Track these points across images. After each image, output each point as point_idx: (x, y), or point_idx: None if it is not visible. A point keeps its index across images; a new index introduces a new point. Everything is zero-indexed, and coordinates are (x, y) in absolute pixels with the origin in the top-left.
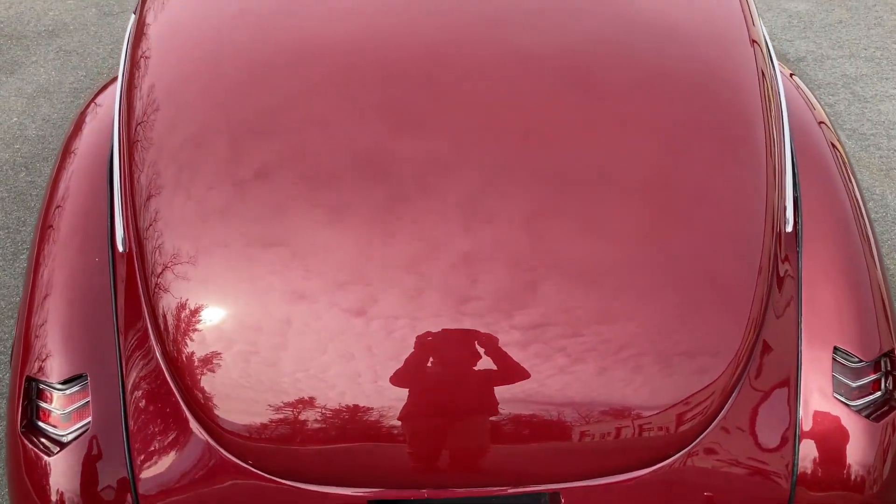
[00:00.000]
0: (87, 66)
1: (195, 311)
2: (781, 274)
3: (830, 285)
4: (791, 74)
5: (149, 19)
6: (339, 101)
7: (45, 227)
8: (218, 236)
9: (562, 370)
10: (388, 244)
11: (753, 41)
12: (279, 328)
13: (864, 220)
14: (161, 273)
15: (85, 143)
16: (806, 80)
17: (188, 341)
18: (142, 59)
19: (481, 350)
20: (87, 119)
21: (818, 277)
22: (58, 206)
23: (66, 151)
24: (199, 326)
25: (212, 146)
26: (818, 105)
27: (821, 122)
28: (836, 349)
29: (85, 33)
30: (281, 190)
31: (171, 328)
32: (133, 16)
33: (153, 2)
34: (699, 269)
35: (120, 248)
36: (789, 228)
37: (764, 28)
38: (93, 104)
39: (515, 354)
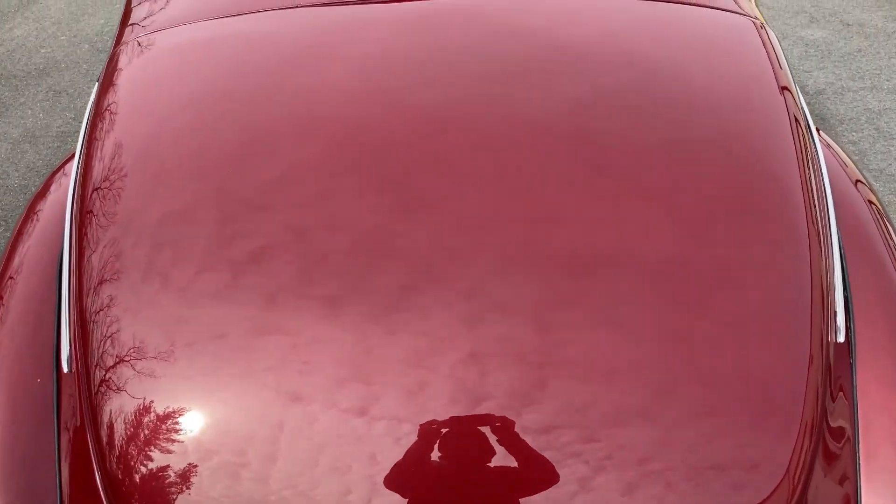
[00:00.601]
0: (76, 107)
1: (145, 445)
2: (833, 395)
3: (893, 409)
4: (817, 129)
5: (114, 89)
6: (333, 178)
7: None
8: (183, 349)
9: (584, 486)
10: (390, 341)
11: (786, 99)
12: (254, 463)
13: None
14: (105, 395)
15: (48, 212)
16: (827, 115)
17: (137, 480)
18: (101, 137)
19: (494, 461)
20: (52, 188)
21: (877, 399)
22: (10, 278)
23: (31, 210)
24: (150, 464)
25: (187, 227)
26: (850, 161)
27: (857, 181)
28: None
29: (76, 71)
30: (265, 281)
31: (115, 461)
32: (96, 83)
33: (119, 72)
34: (739, 385)
35: (65, 369)
36: (841, 338)
37: (799, 92)
38: (61, 172)
39: (532, 469)
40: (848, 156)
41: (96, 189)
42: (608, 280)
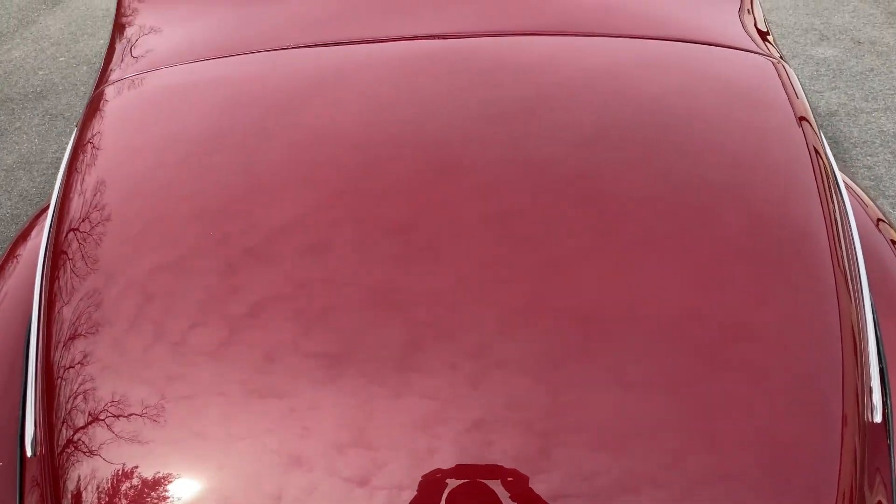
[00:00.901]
0: (72, 132)
1: None
2: (870, 482)
3: None
4: None
5: (94, 133)
6: (330, 229)
7: None
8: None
9: None
10: (393, 404)
11: (808, 144)
12: None
13: None
14: (71, 481)
15: (28, 258)
16: (840, 138)
17: None
18: (80, 182)
19: None
20: (34, 233)
21: None
22: None
23: (11, 254)
24: None
25: (173, 281)
26: (869, 200)
27: (879, 220)
28: None
29: (74, 94)
30: (258, 339)
31: None
32: (75, 128)
33: (100, 115)
34: (764, 462)
35: (28, 452)
36: (878, 418)
37: (824, 139)
38: (44, 215)
39: None
40: (866, 193)
41: (71, 233)
42: (622, 339)
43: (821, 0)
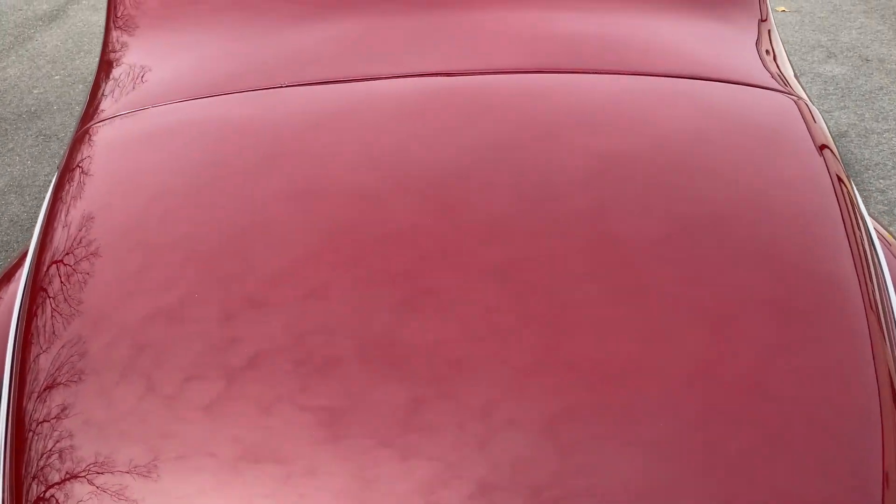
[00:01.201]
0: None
1: None
2: None
3: None
4: None
5: (78, 173)
6: (327, 278)
7: None
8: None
9: None
10: (395, 467)
11: (834, 186)
12: None
13: None
14: None
15: (10, 300)
16: (851, 161)
17: None
18: (62, 225)
19: None
20: (18, 274)
21: None
22: None
23: None
24: None
25: (160, 329)
26: (893, 239)
27: None
28: None
29: (69, 114)
30: (252, 395)
31: None
32: (57, 170)
33: (85, 153)
34: None
35: None
36: None
37: (849, 178)
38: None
39: None
40: (886, 228)
41: (50, 276)
42: (638, 398)
43: (827, 17)
